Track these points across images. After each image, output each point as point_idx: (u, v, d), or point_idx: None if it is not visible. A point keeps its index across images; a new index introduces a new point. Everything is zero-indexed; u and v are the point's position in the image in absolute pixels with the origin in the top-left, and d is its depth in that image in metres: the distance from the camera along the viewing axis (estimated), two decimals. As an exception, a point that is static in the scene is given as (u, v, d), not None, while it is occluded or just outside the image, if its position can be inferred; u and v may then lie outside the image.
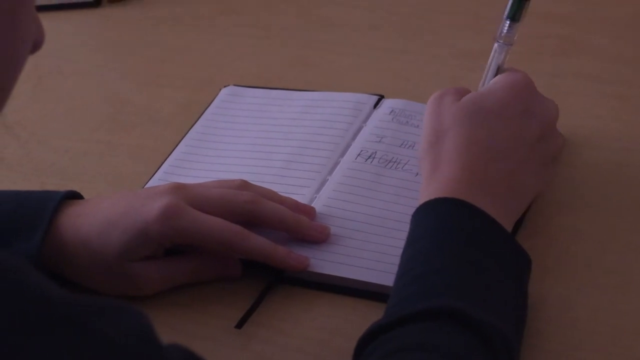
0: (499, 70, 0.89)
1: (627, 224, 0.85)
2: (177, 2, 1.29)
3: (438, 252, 0.74)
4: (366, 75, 1.10)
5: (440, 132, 0.84)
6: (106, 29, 1.29)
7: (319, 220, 0.87)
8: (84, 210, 0.83)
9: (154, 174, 0.97)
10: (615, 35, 1.11)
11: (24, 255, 0.79)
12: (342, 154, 0.94)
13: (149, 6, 1.29)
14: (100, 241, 0.81)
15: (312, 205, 0.88)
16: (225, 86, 1.08)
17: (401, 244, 0.78)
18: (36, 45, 0.62)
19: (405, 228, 0.79)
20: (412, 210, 0.79)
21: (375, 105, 1.00)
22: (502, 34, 0.89)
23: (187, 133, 1.01)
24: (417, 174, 0.90)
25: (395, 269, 0.76)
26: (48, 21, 0.68)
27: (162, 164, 0.98)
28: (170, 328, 0.80)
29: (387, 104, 0.99)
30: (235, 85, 1.07)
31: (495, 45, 0.89)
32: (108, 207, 0.82)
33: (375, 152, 0.93)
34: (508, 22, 0.88)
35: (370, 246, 0.84)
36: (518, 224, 0.84)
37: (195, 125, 1.02)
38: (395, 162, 0.92)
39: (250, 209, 0.83)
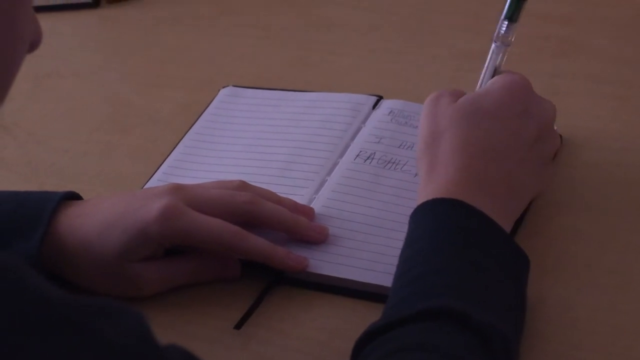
0: (496, 71, 0.89)
1: (626, 224, 0.85)
2: (177, 2, 1.29)
3: (436, 253, 0.74)
4: (365, 76, 1.10)
5: (437, 133, 0.84)
6: (105, 30, 1.29)
7: (317, 220, 0.87)
8: (83, 210, 0.83)
9: (153, 174, 0.97)
10: (614, 35, 1.11)
11: (23, 256, 0.79)
12: (341, 155, 0.94)
13: (148, 6, 1.29)
14: (100, 242, 0.81)
15: (311, 205, 0.88)
16: (224, 87, 1.08)
17: (400, 244, 0.78)
18: (33, 45, 0.62)
19: (404, 229, 0.79)
20: (410, 211, 0.79)
21: (374, 106, 0.99)
22: (500, 35, 0.89)
23: (186, 134, 1.01)
24: (416, 174, 0.90)
25: (394, 269, 0.76)
26: (47, 22, 0.68)
27: (161, 165, 0.98)
28: (169, 329, 0.80)
29: (386, 104, 0.99)
30: (234, 85, 1.07)
31: (493, 45, 0.89)
32: (107, 207, 0.82)
33: (374, 152, 0.93)
34: (506, 22, 0.88)
35: (369, 247, 0.84)
36: (517, 224, 0.84)
37: (194, 126, 1.02)
38: (394, 162, 0.92)
39: (249, 210, 0.83)
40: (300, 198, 0.89)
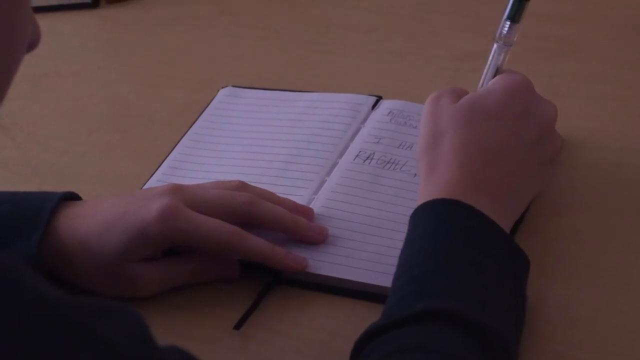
0: (497, 71, 0.89)
1: (626, 224, 0.85)
2: (176, 2, 1.29)
3: (436, 253, 0.74)
4: (365, 76, 1.10)
5: (437, 133, 0.83)
6: (104, 30, 1.29)
7: (317, 221, 0.87)
8: (82, 211, 0.83)
9: (152, 175, 0.97)
10: (614, 36, 1.11)
11: (22, 256, 0.79)
12: (341, 155, 0.94)
13: (147, 7, 1.29)
14: (99, 242, 0.81)
15: (310, 206, 0.88)
16: (223, 87, 1.08)
17: (399, 244, 0.78)
18: (32, 45, 0.62)
19: (403, 229, 0.79)
20: (410, 211, 0.79)
21: (374, 106, 0.99)
22: (502, 35, 0.89)
23: (185, 134, 1.01)
24: (415, 174, 0.90)
25: (393, 269, 0.76)
26: (46, 22, 0.68)
27: (160, 165, 0.98)
28: (168, 329, 0.80)
29: (385, 105, 0.99)
30: (233, 86, 1.07)
31: (495, 46, 0.89)
32: (106, 208, 0.82)
33: (374, 153, 0.93)
34: (508, 23, 0.88)
35: (369, 247, 0.84)
36: (517, 225, 0.84)
37: (193, 127, 1.02)
38: (393, 163, 0.92)
39: (248, 210, 0.83)
40: (299, 198, 0.89)
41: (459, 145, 0.82)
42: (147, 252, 0.81)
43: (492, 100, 0.84)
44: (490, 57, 0.89)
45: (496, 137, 0.82)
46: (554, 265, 0.82)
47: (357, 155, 0.93)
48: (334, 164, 0.93)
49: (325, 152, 0.94)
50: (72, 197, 0.85)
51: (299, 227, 0.84)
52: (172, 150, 0.99)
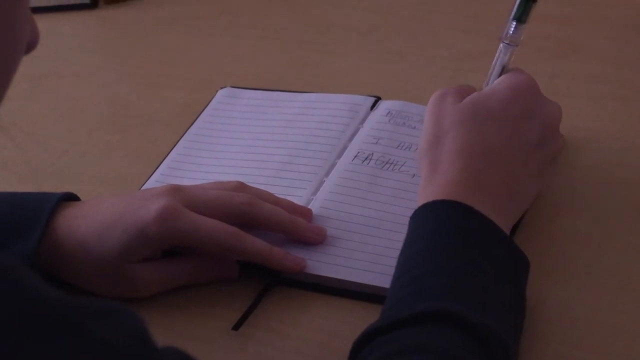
0: (503, 71, 0.89)
1: (626, 224, 0.85)
2: (175, 2, 1.29)
3: (435, 254, 0.74)
4: (364, 77, 1.10)
5: (440, 133, 0.83)
6: (103, 30, 1.29)
7: (315, 221, 0.87)
8: (81, 212, 0.83)
9: (151, 175, 0.97)
10: (614, 36, 1.11)
11: (21, 257, 0.79)
12: (339, 156, 0.94)
13: (146, 7, 1.29)
14: (98, 243, 0.81)
15: (309, 206, 0.88)
16: (222, 87, 1.08)
17: (398, 245, 0.78)
18: (30, 46, 0.62)
19: (402, 229, 0.79)
20: (409, 212, 0.79)
21: (372, 106, 0.99)
22: (508, 35, 0.88)
23: (184, 135, 1.01)
24: (414, 175, 0.90)
25: (392, 270, 0.76)
26: (45, 22, 0.69)
27: (158, 166, 0.98)
28: (167, 330, 0.80)
29: (384, 105, 0.99)
30: (232, 86, 1.07)
31: (501, 45, 0.89)
32: (105, 209, 0.82)
33: (372, 153, 0.93)
34: (514, 23, 0.88)
35: (367, 248, 0.84)
36: (516, 226, 0.84)
37: (192, 127, 1.02)
38: (392, 163, 0.92)
39: (247, 211, 0.83)
40: (298, 199, 0.89)
41: (461, 146, 0.82)
42: (146, 252, 0.81)
43: (495, 99, 0.84)
44: (496, 57, 0.89)
45: (498, 137, 0.82)
46: (553, 265, 0.82)
47: (355, 156, 0.93)
48: (333, 165, 0.93)
49: (323, 153, 0.94)
50: (71, 198, 0.85)
51: (298, 228, 0.84)
52: (170, 151, 0.99)
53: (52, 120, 1.10)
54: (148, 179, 0.96)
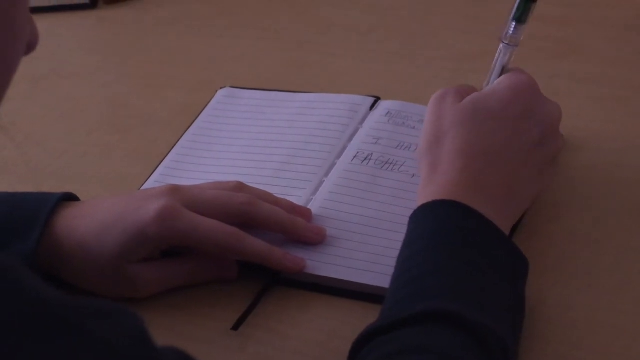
0: (503, 71, 0.89)
1: (625, 224, 0.85)
2: (174, 3, 1.29)
3: (435, 254, 0.74)
4: (363, 77, 1.10)
5: (440, 133, 0.83)
6: (103, 31, 1.29)
7: (315, 221, 0.87)
8: (81, 212, 0.83)
9: (150, 175, 0.96)
10: (612, 36, 1.11)
11: (20, 257, 0.79)
12: (339, 156, 0.94)
13: (146, 7, 1.29)
14: (97, 243, 0.81)
15: (309, 206, 0.88)
16: (221, 87, 1.08)
17: (397, 245, 0.78)
18: (30, 47, 0.62)
19: (401, 229, 0.79)
20: (408, 212, 0.79)
21: (372, 107, 0.99)
22: (508, 35, 0.88)
23: (183, 135, 1.01)
24: (414, 175, 0.90)
25: (391, 270, 0.76)
26: (44, 23, 0.68)
27: (158, 166, 0.98)
28: (166, 330, 0.80)
29: (383, 105, 0.99)
30: (231, 86, 1.07)
31: (501, 46, 0.89)
32: (105, 209, 0.82)
33: (372, 153, 0.93)
34: (514, 23, 0.88)
35: (367, 248, 0.84)
36: (516, 226, 0.84)
37: (191, 127, 1.02)
38: (391, 163, 0.92)
39: (246, 211, 0.83)
40: (297, 199, 0.89)
41: (461, 146, 0.82)
42: (145, 252, 0.81)
43: (495, 100, 0.84)
44: (496, 57, 0.89)
45: (498, 138, 0.82)
46: (553, 265, 0.82)
47: (355, 156, 0.93)
48: (332, 165, 0.93)
49: (323, 153, 0.94)
50: (70, 198, 0.85)
51: (297, 228, 0.84)
52: (170, 151, 0.99)
53: (51, 120, 1.10)
54: (147, 179, 0.96)
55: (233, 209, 0.83)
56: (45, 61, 1.19)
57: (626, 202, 0.87)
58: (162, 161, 0.98)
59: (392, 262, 0.77)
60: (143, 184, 0.95)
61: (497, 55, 0.89)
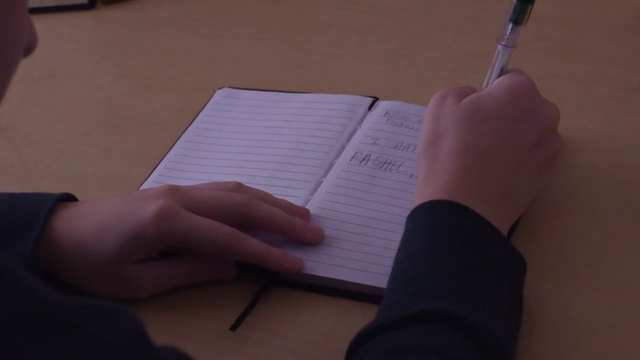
0: (502, 72, 0.89)
1: (624, 224, 0.85)
2: (173, 3, 1.29)
3: (432, 254, 0.74)
4: (362, 77, 1.10)
5: (438, 133, 0.83)
6: (100, 31, 1.29)
7: (313, 222, 0.87)
8: (79, 212, 0.83)
9: (148, 176, 0.96)
10: (611, 37, 1.11)
11: (18, 257, 0.79)
12: (337, 156, 0.94)
13: (143, 8, 1.29)
14: (95, 244, 0.81)
15: (307, 207, 0.88)
16: (220, 88, 1.08)
17: (395, 245, 0.78)
18: (29, 49, 0.62)
19: (399, 230, 0.79)
20: (406, 212, 0.79)
21: (370, 107, 0.99)
22: (505, 37, 0.88)
23: (181, 135, 1.01)
24: (412, 175, 0.90)
25: (389, 270, 0.76)
26: (42, 23, 0.68)
27: (156, 167, 0.97)
28: (164, 330, 0.80)
29: (381, 105, 0.99)
30: (229, 87, 1.07)
31: (499, 47, 0.89)
32: (103, 209, 0.82)
33: (370, 153, 0.93)
34: (511, 25, 0.88)
35: (365, 248, 0.84)
36: (514, 226, 0.84)
37: (190, 128, 1.02)
38: (389, 163, 0.92)
39: (245, 211, 0.83)
40: (295, 199, 0.89)
41: (459, 147, 0.82)
42: (143, 253, 0.81)
43: (494, 101, 0.84)
44: (495, 58, 0.89)
45: (495, 139, 0.82)
46: (552, 266, 0.82)
47: (353, 156, 0.93)
48: (330, 165, 0.93)
49: (321, 153, 0.94)
50: (68, 199, 0.85)
51: (295, 228, 0.84)
52: (168, 152, 0.99)
53: (50, 120, 1.10)
54: (146, 179, 0.96)
55: (231, 210, 0.83)
56: (44, 62, 1.18)
57: (625, 202, 0.87)
58: (160, 161, 0.98)
59: (390, 262, 0.77)
60: (142, 184, 0.95)
61: (495, 56, 0.89)
